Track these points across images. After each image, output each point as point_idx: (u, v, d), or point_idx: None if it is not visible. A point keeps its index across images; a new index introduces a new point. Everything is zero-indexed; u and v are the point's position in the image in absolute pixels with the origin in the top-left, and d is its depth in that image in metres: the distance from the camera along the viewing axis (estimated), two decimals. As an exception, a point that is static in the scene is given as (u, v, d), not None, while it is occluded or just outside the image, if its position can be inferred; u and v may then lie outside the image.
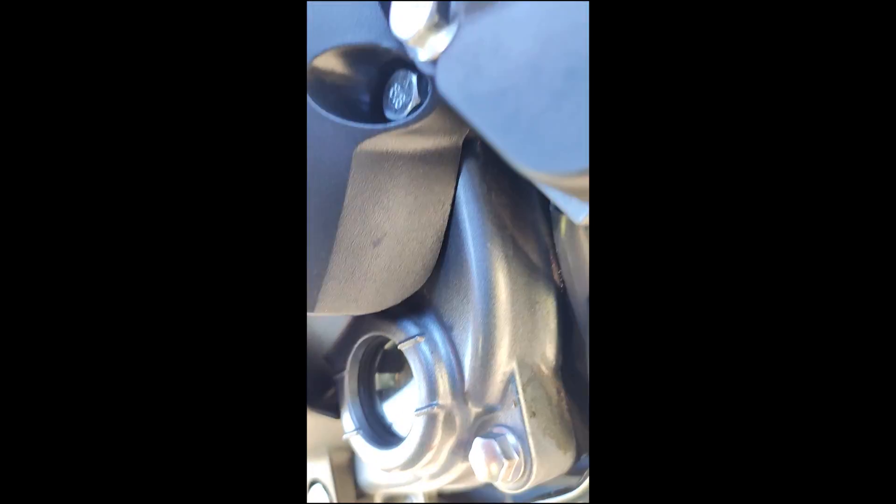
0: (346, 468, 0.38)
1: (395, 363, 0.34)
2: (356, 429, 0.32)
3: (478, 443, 0.27)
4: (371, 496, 0.38)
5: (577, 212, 0.23)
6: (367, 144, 0.25)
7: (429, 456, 0.29)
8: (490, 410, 0.28)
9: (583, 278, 0.27)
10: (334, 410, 0.34)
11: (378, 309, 0.29)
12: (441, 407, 0.28)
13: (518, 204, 0.28)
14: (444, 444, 0.29)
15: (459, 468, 0.31)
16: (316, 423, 0.35)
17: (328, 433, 0.36)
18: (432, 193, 0.27)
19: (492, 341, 0.27)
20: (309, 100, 0.25)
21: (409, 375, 0.34)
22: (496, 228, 0.27)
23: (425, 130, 0.26)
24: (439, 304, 0.29)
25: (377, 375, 0.34)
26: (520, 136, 0.18)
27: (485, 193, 0.28)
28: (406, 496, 0.38)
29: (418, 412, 0.28)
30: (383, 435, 0.32)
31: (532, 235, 0.28)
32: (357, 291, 0.28)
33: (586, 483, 0.28)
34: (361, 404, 0.32)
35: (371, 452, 0.31)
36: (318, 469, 0.38)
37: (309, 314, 0.28)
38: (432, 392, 0.28)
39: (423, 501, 0.37)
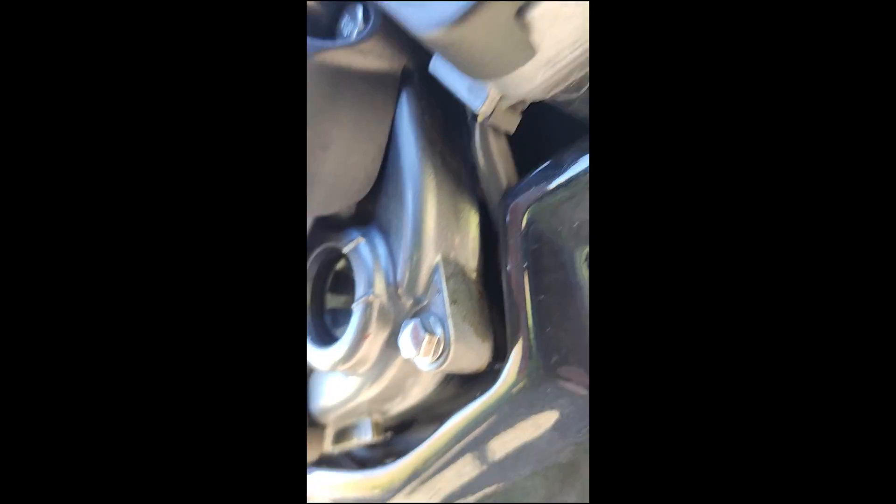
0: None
1: (348, 286, 0.37)
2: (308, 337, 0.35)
3: (405, 324, 0.30)
4: (323, 425, 0.40)
5: (476, 101, 0.27)
6: (319, 56, 0.30)
7: (365, 346, 0.31)
8: (418, 302, 0.31)
9: (497, 184, 0.31)
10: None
11: (327, 211, 0.33)
12: (376, 296, 0.31)
13: (448, 127, 0.32)
14: (378, 335, 0.32)
15: (395, 372, 0.33)
16: None
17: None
18: (374, 110, 0.32)
19: (420, 237, 0.31)
20: None
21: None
22: (428, 145, 0.32)
23: (368, 52, 0.31)
24: (379, 213, 0.33)
25: (330, 296, 0.37)
26: (413, 7, 0.23)
27: (419, 115, 0.32)
28: (355, 425, 0.40)
29: (356, 303, 0.31)
30: (326, 339, 0.35)
31: (459, 155, 0.32)
32: (308, 192, 0.32)
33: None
34: (311, 315, 0.36)
35: (314, 354, 0.34)
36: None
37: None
38: (368, 284, 0.31)
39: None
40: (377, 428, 0.38)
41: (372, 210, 0.34)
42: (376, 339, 0.32)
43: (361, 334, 0.31)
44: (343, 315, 0.37)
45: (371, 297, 0.31)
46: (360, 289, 0.32)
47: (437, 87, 0.33)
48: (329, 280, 0.36)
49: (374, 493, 0.48)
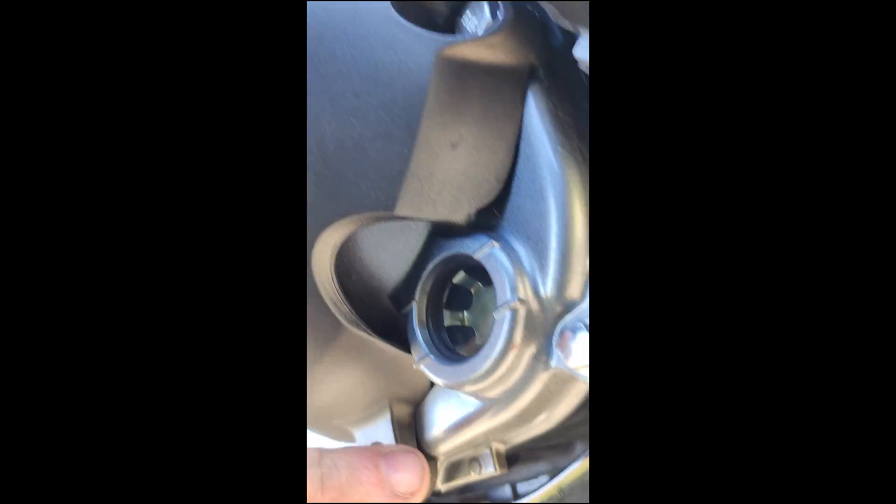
0: (408, 425, 0.37)
1: (463, 300, 0.34)
2: (426, 353, 0.32)
3: (575, 328, 0.27)
4: (433, 457, 0.37)
5: None
6: (447, 51, 0.28)
7: (511, 358, 0.28)
8: (570, 307, 0.28)
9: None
10: (402, 345, 0.34)
11: (454, 216, 0.30)
12: (522, 302, 0.28)
13: (580, 121, 0.31)
14: (525, 347, 0.29)
15: (535, 394, 0.30)
16: (375, 374, 0.34)
17: (387, 388, 0.36)
18: (503, 106, 0.30)
19: (569, 237, 0.28)
20: (394, 12, 0.29)
21: (478, 314, 0.35)
22: (566, 140, 0.30)
23: (497, 46, 0.29)
24: (510, 216, 0.31)
25: (445, 312, 0.34)
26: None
27: (552, 109, 0.30)
28: (471, 458, 0.36)
29: (499, 308, 0.29)
30: (454, 357, 0.32)
31: None
32: (436, 193, 0.29)
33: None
34: (430, 331, 0.33)
35: (447, 371, 0.31)
36: (376, 429, 0.37)
37: (375, 239, 0.31)
38: (512, 289, 0.29)
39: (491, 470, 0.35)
40: (500, 459, 0.35)
41: (497, 214, 0.31)
42: (523, 352, 0.29)
43: (508, 344, 0.28)
44: (460, 334, 0.34)
45: (517, 303, 0.28)
46: (502, 292, 0.29)
47: (567, 82, 0.31)
48: (446, 293, 0.34)
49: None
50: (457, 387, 0.31)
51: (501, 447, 0.35)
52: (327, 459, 0.30)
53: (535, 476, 0.50)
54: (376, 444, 0.34)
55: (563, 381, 0.30)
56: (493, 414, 0.32)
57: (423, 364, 0.32)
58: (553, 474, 0.48)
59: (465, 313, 0.35)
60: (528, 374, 0.30)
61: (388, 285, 0.34)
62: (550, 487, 0.37)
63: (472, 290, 0.34)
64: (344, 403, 0.36)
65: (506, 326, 0.28)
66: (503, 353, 0.28)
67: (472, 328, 0.34)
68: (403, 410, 0.37)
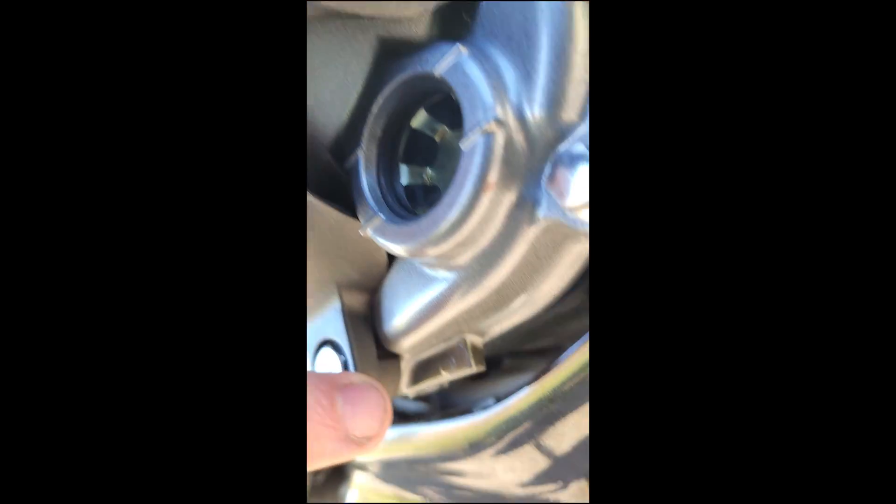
0: (363, 317, 0.29)
1: (426, 151, 0.27)
2: (374, 213, 0.24)
3: (561, 158, 0.20)
4: (395, 355, 0.30)
5: None
6: None
7: (484, 204, 0.21)
8: (566, 133, 0.21)
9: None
10: (349, 210, 0.26)
11: (406, 11, 0.22)
12: (500, 124, 0.21)
13: None
14: (504, 190, 0.21)
15: (519, 258, 0.23)
16: (317, 250, 0.27)
17: (334, 268, 0.28)
18: None
19: (567, 35, 0.20)
20: None
21: (446, 170, 0.27)
22: None
23: None
24: (486, 14, 0.22)
25: (403, 168, 0.26)
26: None
27: None
28: (443, 354, 0.29)
29: (468, 134, 0.21)
30: (410, 216, 0.24)
31: None
32: None
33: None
34: (381, 187, 0.25)
35: (400, 232, 0.23)
36: (326, 324, 0.30)
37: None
38: (487, 107, 0.21)
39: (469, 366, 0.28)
40: (477, 354, 0.28)
41: (467, 18, 0.23)
42: (501, 197, 0.21)
43: (480, 184, 0.21)
44: (422, 195, 0.27)
45: (493, 125, 0.20)
46: (471, 116, 0.21)
47: None
48: (403, 142, 0.26)
49: (452, 450, 0.38)
50: (416, 253, 0.23)
51: (478, 339, 0.28)
52: None
53: (520, 388, 0.44)
54: (329, 374, 0.26)
55: (555, 241, 0.23)
56: (465, 290, 0.24)
57: (371, 227, 0.24)
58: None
59: (429, 170, 0.27)
60: (509, 230, 0.22)
61: (327, 132, 0.26)
62: (536, 388, 0.30)
63: (437, 138, 0.26)
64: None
65: (477, 159, 0.20)
66: (474, 197, 0.21)
67: (437, 187, 0.27)
68: (356, 299, 0.29)
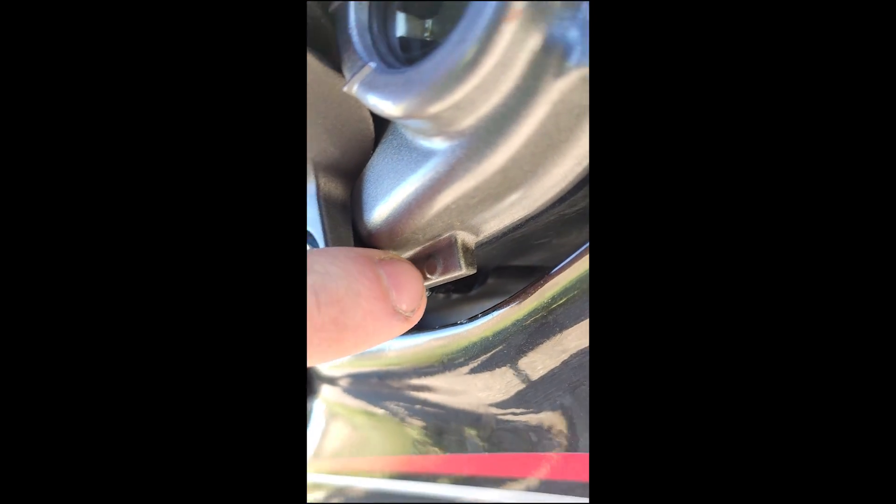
0: (340, 205, 0.25)
1: (427, 3, 0.21)
2: (364, 60, 0.19)
3: None
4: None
5: None
6: None
7: (504, 42, 0.16)
8: None
9: None
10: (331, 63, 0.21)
11: None
12: None
13: None
14: (530, 28, 0.16)
15: (536, 124, 0.18)
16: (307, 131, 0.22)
17: (310, 142, 0.23)
18: None
19: None
20: None
21: (448, 23, 0.22)
22: None
23: None
24: None
25: (399, 15, 0.21)
26: None
27: None
28: (430, 251, 0.25)
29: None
30: (406, 67, 0.19)
31: None
32: None
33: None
34: (372, 31, 0.20)
35: (396, 82, 0.18)
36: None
37: None
38: None
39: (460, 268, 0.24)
40: (468, 255, 0.24)
41: None
42: (527, 31, 0.16)
43: (501, 14, 0.16)
44: (419, 50, 0.22)
45: None
46: None
47: None
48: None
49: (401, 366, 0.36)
50: (413, 111, 0.18)
51: (470, 238, 0.24)
52: (317, 265, 0.20)
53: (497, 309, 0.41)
54: (362, 249, 0.23)
55: (583, 103, 0.18)
56: (466, 166, 0.20)
57: (359, 80, 0.19)
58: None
59: (430, 23, 0.22)
60: (529, 83, 0.17)
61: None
62: (515, 309, 0.26)
63: (444, -18, 0.21)
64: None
65: None
66: (492, 28, 0.16)
67: (438, 43, 0.22)
68: (334, 183, 0.25)
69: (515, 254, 0.35)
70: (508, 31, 0.16)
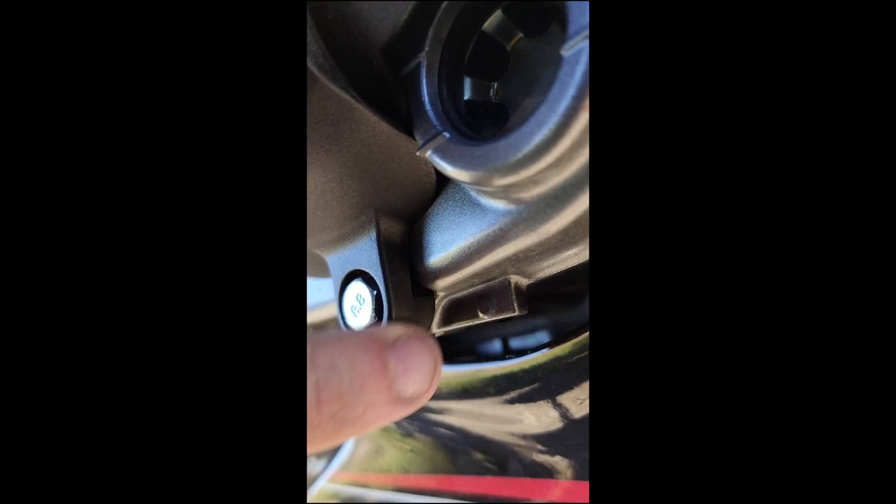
0: (399, 248, 0.26)
1: (494, 62, 0.23)
2: (438, 130, 0.21)
3: None
4: (429, 292, 0.27)
5: None
6: None
7: (582, 123, 0.17)
8: None
9: None
10: (399, 123, 0.22)
11: None
12: None
13: None
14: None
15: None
16: (358, 167, 0.23)
17: (374, 191, 0.25)
18: None
19: None
20: None
21: (515, 86, 0.23)
22: None
23: None
24: None
25: (466, 80, 0.23)
26: None
27: None
28: (483, 292, 0.26)
29: (571, 40, 0.17)
30: (477, 137, 0.21)
31: None
32: None
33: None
34: (443, 100, 0.21)
35: (471, 153, 0.20)
36: (358, 254, 0.26)
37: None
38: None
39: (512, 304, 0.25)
40: (520, 297, 0.25)
41: None
42: (601, 117, 0.18)
43: (581, 97, 0.17)
44: (485, 114, 0.23)
45: None
46: (578, 18, 0.17)
47: None
48: (470, 48, 0.22)
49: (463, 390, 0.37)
50: (482, 181, 0.20)
51: (523, 281, 0.25)
52: (323, 357, 0.20)
53: (532, 332, 0.42)
54: (374, 328, 0.23)
55: None
56: (527, 228, 0.21)
57: (433, 146, 0.21)
58: (552, 331, 0.40)
59: (496, 85, 0.23)
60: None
61: (381, 30, 0.22)
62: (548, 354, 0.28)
63: (509, 47, 0.23)
64: (312, 212, 0.25)
65: (581, 68, 0.17)
66: (570, 116, 0.17)
67: (504, 106, 0.23)
68: (395, 227, 0.26)
69: (559, 285, 0.36)
70: (585, 117, 0.17)
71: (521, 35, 0.22)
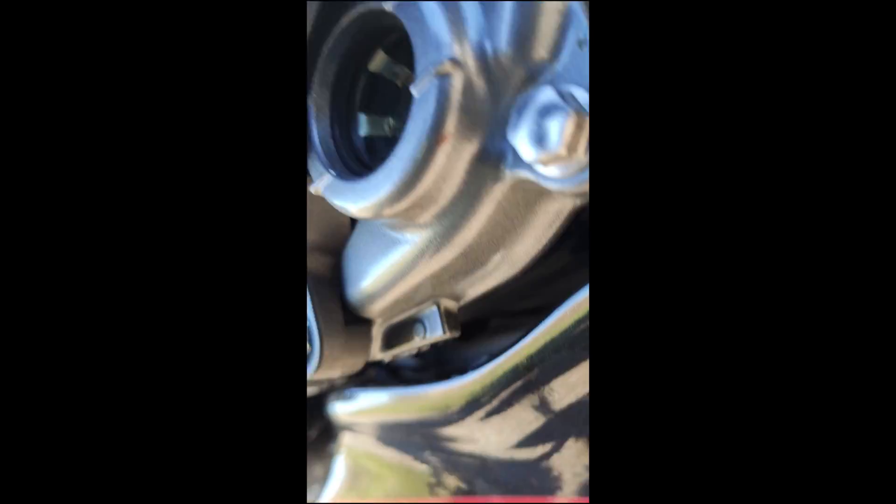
0: (328, 281, 0.27)
1: (386, 98, 0.24)
2: (323, 170, 0.22)
3: (533, 94, 0.17)
4: (366, 320, 0.28)
5: None
6: None
7: (441, 159, 0.18)
8: (535, 74, 0.18)
9: None
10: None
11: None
12: (456, 64, 0.18)
13: None
14: (463, 141, 0.18)
15: (485, 217, 0.20)
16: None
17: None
18: None
19: None
20: None
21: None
22: None
23: None
24: None
25: (362, 117, 0.24)
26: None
27: None
28: (415, 318, 0.27)
29: (420, 77, 0.18)
30: (362, 171, 0.22)
31: None
32: None
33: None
34: (334, 137, 0.22)
35: (351, 190, 0.21)
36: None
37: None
38: (440, 44, 0.18)
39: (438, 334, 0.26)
40: (451, 320, 0.26)
41: None
42: (461, 149, 0.19)
43: (434, 135, 0.18)
44: (385, 148, 0.24)
45: (448, 65, 0.18)
46: (424, 55, 0.18)
47: None
48: (360, 86, 0.23)
49: (427, 414, 0.37)
50: (372, 213, 0.21)
51: (452, 304, 0.26)
52: None
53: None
54: None
55: (527, 199, 0.20)
56: (431, 252, 0.22)
57: (322, 185, 0.22)
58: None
59: (391, 119, 0.24)
60: (472, 188, 0.19)
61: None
62: (513, 354, 0.28)
63: (399, 83, 0.23)
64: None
65: (430, 107, 0.18)
66: (427, 151, 0.18)
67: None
68: (320, 261, 0.27)
69: (512, 302, 0.36)
70: (442, 151, 0.18)
71: (408, 69, 0.23)
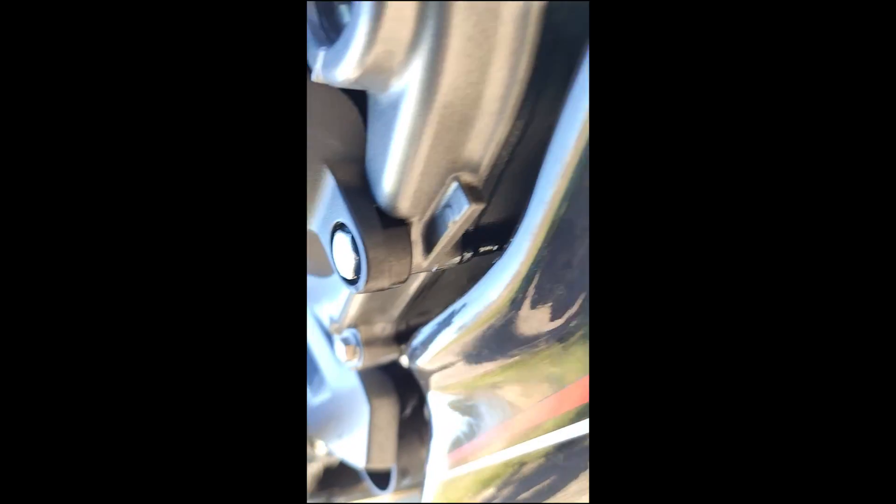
0: (360, 189, 0.28)
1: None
2: (318, 49, 0.23)
3: None
4: (404, 220, 0.28)
5: None
6: None
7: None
8: None
9: None
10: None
11: None
12: None
13: None
14: None
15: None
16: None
17: (315, 143, 0.27)
18: None
19: None
20: None
21: None
22: None
23: None
24: None
25: (342, 7, 0.25)
26: None
27: None
28: (444, 200, 0.27)
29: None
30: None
31: None
32: None
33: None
34: (324, 27, 0.24)
35: (333, 58, 0.22)
36: (332, 208, 0.28)
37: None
38: None
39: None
40: (473, 192, 0.25)
41: None
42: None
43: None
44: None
45: None
46: None
47: None
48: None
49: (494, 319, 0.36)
50: (361, 69, 0.22)
51: (471, 177, 0.25)
52: None
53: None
54: None
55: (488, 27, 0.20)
56: (423, 99, 0.22)
57: (319, 65, 0.23)
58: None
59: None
60: (432, 20, 0.20)
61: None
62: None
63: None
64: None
65: None
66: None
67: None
68: (349, 171, 0.28)
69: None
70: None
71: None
